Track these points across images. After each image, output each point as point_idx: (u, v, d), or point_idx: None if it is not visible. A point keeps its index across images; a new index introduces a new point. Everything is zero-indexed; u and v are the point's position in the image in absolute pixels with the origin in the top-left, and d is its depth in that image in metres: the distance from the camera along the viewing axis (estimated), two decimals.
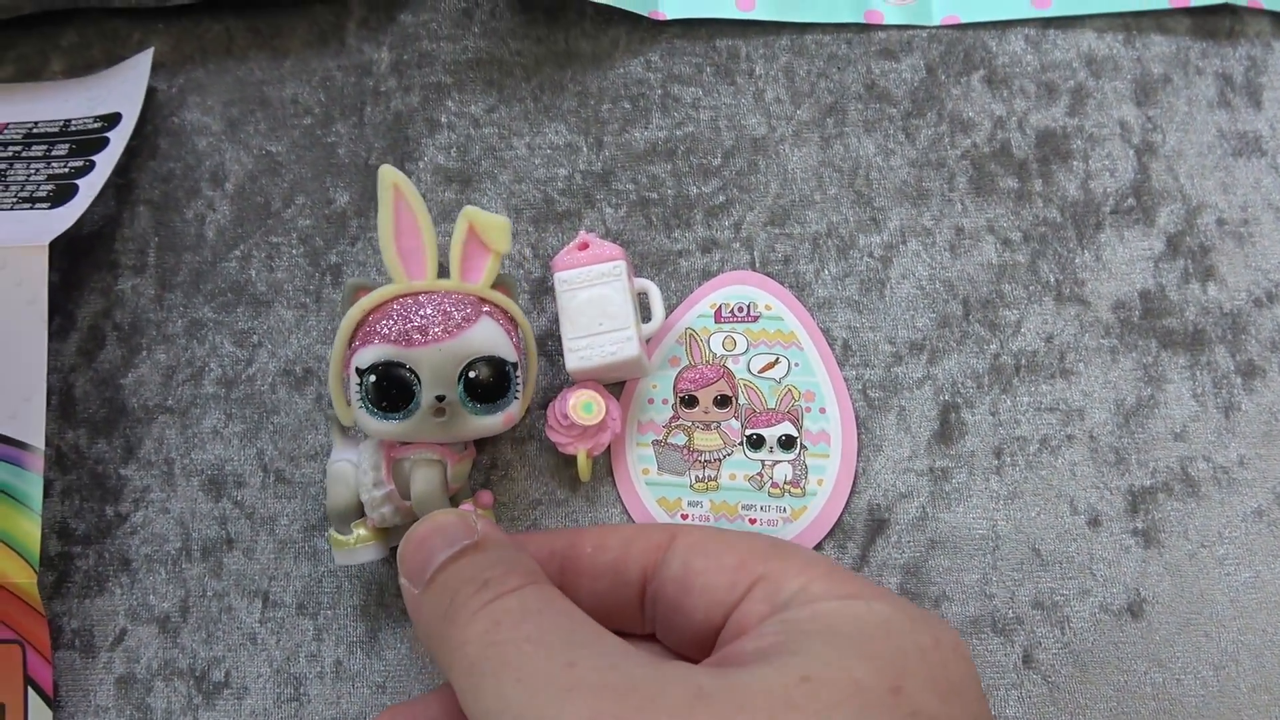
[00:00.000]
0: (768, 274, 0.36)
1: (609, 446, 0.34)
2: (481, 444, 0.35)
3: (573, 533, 0.29)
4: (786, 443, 0.33)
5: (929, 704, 0.20)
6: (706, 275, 0.36)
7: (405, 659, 0.33)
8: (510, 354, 0.31)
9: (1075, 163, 0.37)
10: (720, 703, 0.19)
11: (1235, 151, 0.37)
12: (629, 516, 0.33)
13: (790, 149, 0.38)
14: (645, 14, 0.39)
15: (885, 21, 0.39)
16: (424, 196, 0.35)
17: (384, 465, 0.30)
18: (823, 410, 0.33)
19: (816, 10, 0.39)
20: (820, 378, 0.33)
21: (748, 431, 0.33)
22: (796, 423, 0.33)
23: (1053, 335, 0.35)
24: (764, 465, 0.32)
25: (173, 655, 0.34)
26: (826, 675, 0.20)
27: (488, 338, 0.30)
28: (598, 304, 0.33)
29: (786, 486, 0.32)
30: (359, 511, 0.31)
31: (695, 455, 0.33)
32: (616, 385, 0.35)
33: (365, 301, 0.31)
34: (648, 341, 0.34)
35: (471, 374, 0.30)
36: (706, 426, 0.33)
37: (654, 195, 0.38)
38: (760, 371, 0.33)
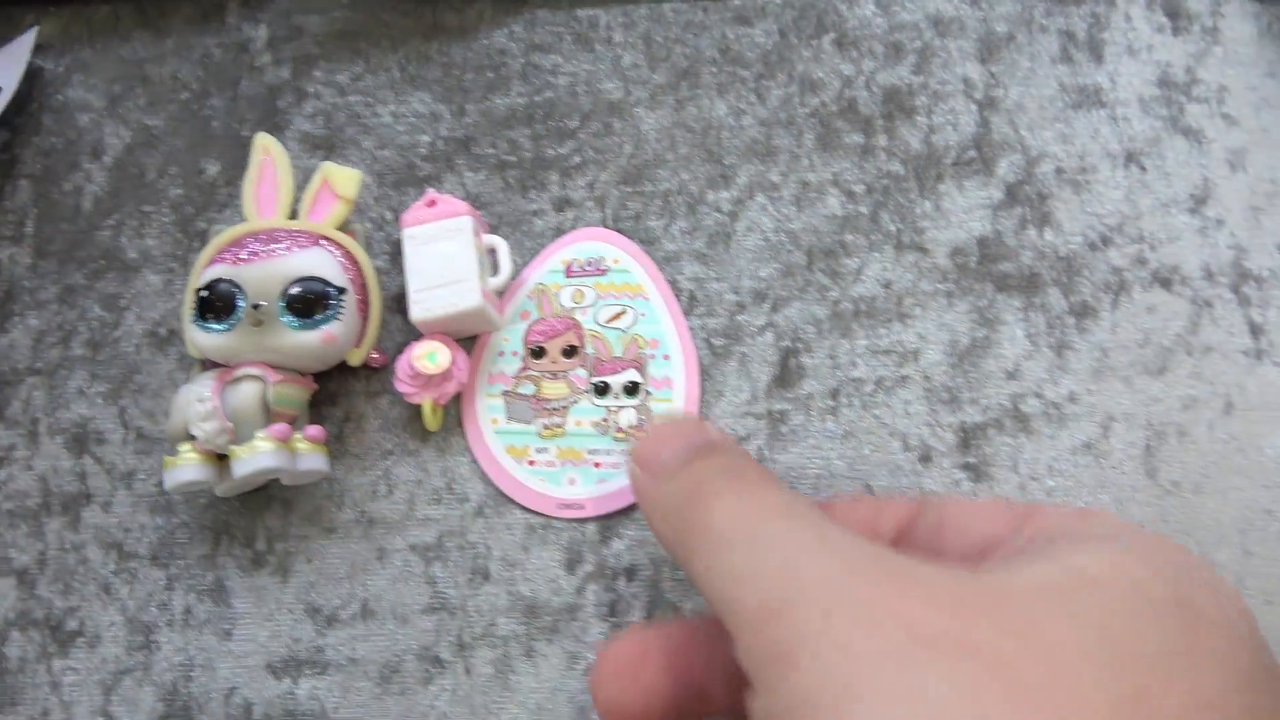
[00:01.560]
0: (619, 230, 0.37)
1: (459, 397, 0.34)
2: (335, 395, 0.36)
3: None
4: (631, 389, 0.33)
5: (1217, 621, 0.17)
6: (560, 233, 0.37)
7: (252, 606, 0.34)
8: (336, 279, 0.32)
9: (919, 118, 0.38)
10: (977, 591, 0.17)
11: (1075, 104, 0.38)
12: (478, 465, 0.34)
13: (645, 111, 0.39)
14: None
15: None
16: (292, 164, 0.37)
17: (213, 386, 0.32)
18: (666, 357, 0.34)
19: None
20: (665, 326, 0.34)
21: (594, 379, 0.34)
22: (641, 369, 0.33)
23: (891, 281, 0.36)
24: (609, 411, 0.33)
25: (29, 606, 0.34)
26: (1102, 578, 0.17)
27: (313, 262, 0.32)
28: (442, 258, 0.34)
29: (631, 430, 0.33)
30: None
31: (543, 404, 0.33)
32: (470, 341, 0.36)
33: (219, 238, 0.34)
34: (499, 296, 0.35)
35: (293, 290, 0.32)
36: (554, 376, 0.34)
37: (512, 159, 0.39)
38: (607, 322, 0.34)
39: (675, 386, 0.33)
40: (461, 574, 0.33)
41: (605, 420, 0.33)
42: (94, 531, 0.35)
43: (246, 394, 0.32)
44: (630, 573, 0.33)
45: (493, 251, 0.35)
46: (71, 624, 0.34)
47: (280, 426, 0.32)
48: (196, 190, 0.39)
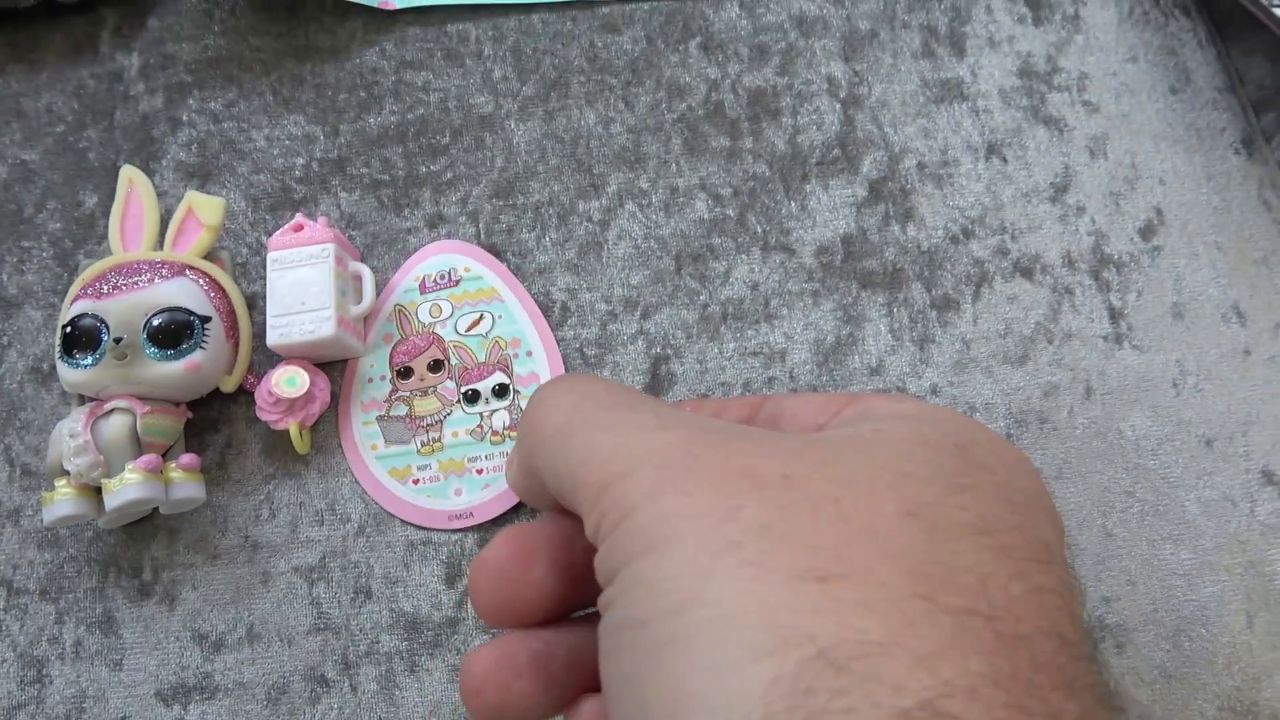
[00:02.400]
0: (492, 245, 0.37)
1: (337, 429, 0.35)
2: (217, 422, 0.36)
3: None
4: (500, 391, 0.34)
5: (991, 463, 0.19)
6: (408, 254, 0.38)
7: (140, 636, 0.34)
8: (200, 308, 0.33)
9: (784, 119, 0.39)
10: (795, 442, 0.19)
11: (937, 99, 0.39)
12: (363, 490, 0.34)
13: (516, 124, 0.39)
14: (375, 4, 0.40)
15: None
16: (166, 192, 0.37)
17: (85, 421, 0.32)
18: (529, 353, 0.34)
19: None
20: (523, 323, 0.35)
21: (463, 389, 0.34)
22: (507, 370, 0.34)
23: (759, 283, 0.37)
24: (483, 417, 0.34)
25: None
26: (895, 430, 0.19)
27: (176, 292, 0.33)
28: (303, 284, 0.34)
29: (505, 432, 0.33)
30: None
31: (417, 421, 0.34)
32: (338, 366, 0.36)
33: (84, 274, 0.34)
34: (362, 324, 0.36)
35: (155, 321, 0.32)
36: (424, 393, 0.34)
37: (386, 177, 0.39)
38: (467, 330, 0.35)
39: (542, 379, 0.34)
40: (344, 593, 0.34)
41: (480, 427, 0.34)
42: None
43: (116, 426, 0.33)
44: None
45: (359, 279, 0.36)
46: None
47: (150, 458, 0.32)
48: (75, 224, 0.39)
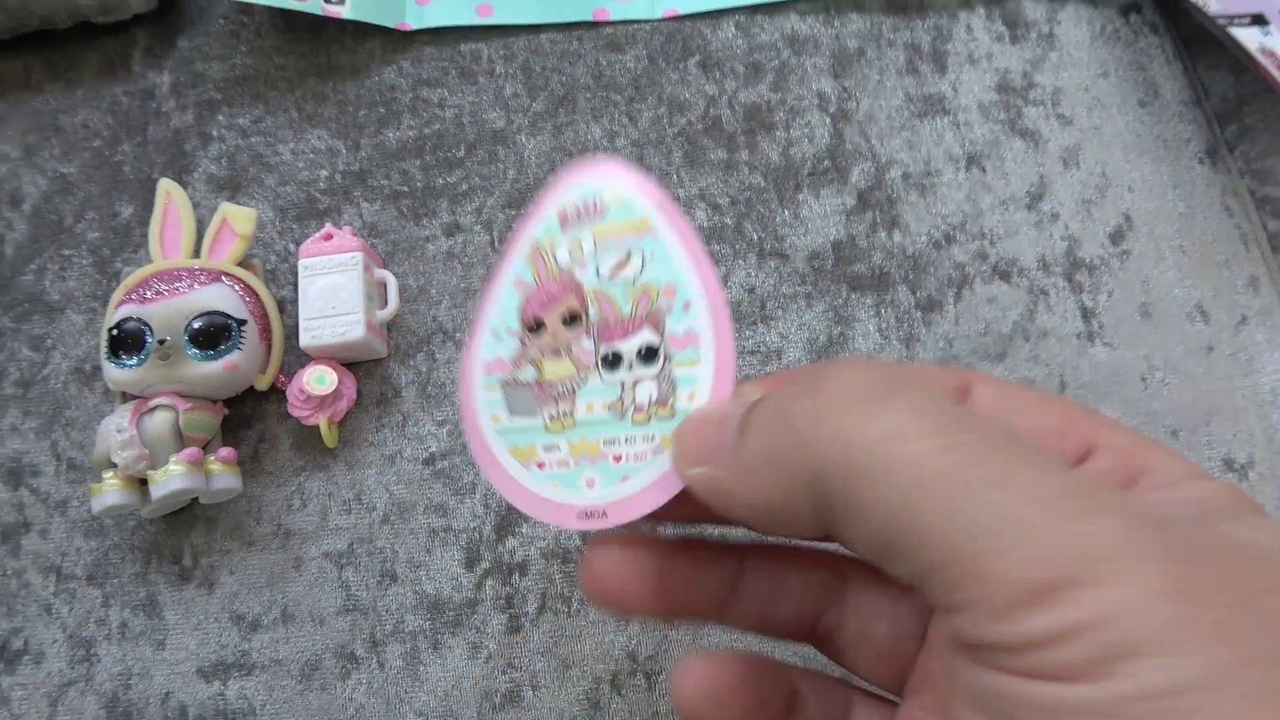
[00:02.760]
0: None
1: (459, 392, 0.28)
2: (250, 418, 0.39)
3: None
4: (647, 355, 0.26)
5: None
6: (450, 257, 0.40)
7: (181, 617, 0.37)
8: (236, 311, 0.35)
9: (778, 132, 0.41)
10: (1240, 554, 0.16)
11: (921, 113, 0.41)
12: (489, 479, 0.26)
13: (526, 138, 0.42)
14: (392, 26, 0.43)
15: (612, 18, 0.43)
16: (198, 204, 0.40)
17: (130, 417, 0.35)
18: (687, 306, 0.25)
19: (549, 12, 0.44)
20: (681, 265, 0.26)
21: (602, 349, 0.26)
22: (657, 326, 0.26)
23: (755, 287, 0.39)
24: (624, 387, 0.25)
25: None
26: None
27: (214, 297, 0.35)
28: (333, 290, 0.37)
29: (652, 409, 0.25)
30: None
31: (547, 389, 0.26)
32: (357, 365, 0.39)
33: (127, 280, 0.37)
34: (387, 326, 0.39)
35: (195, 324, 0.35)
36: (557, 353, 0.26)
37: (405, 189, 0.42)
38: (611, 274, 0.26)
39: (701, 343, 0.25)
40: (371, 577, 0.37)
41: (620, 400, 0.25)
42: (33, 557, 0.38)
43: (160, 422, 0.35)
44: (523, 568, 0.36)
45: (383, 285, 0.38)
46: (16, 644, 0.37)
47: (192, 450, 0.35)
48: (112, 233, 0.42)
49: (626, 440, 0.25)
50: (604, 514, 0.25)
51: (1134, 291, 0.39)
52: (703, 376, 0.25)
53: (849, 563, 0.23)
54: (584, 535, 0.37)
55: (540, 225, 0.26)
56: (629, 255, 0.26)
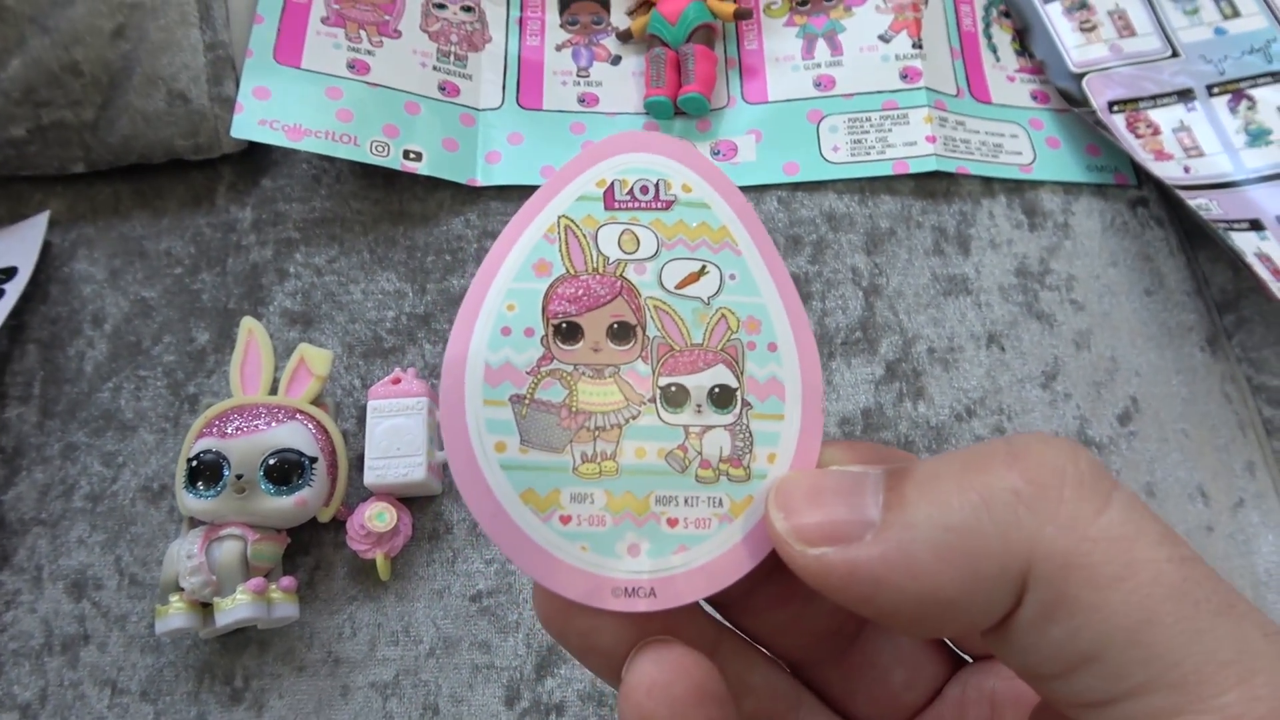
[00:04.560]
0: None
1: (443, 406, 0.21)
2: (308, 545, 0.41)
3: None
4: (721, 397, 0.21)
5: None
6: None
7: None
8: (309, 449, 0.38)
9: (815, 302, 0.45)
10: None
11: (946, 291, 0.45)
12: (486, 530, 0.19)
13: None
14: (464, 181, 0.47)
15: None
16: (272, 335, 0.42)
17: (200, 544, 0.37)
18: (773, 347, 0.21)
19: None
20: (768, 297, 0.21)
21: (662, 380, 0.20)
22: (735, 364, 0.21)
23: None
24: (688, 433, 0.20)
25: None
26: None
27: (289, 435, 0.38)
28: (397, 431, 0.40)
29: (722, 466, 0.20)
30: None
31: (580, 419, 0.20)
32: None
33: (208, 412, 0.39)
34: (443, 467, 0.41)
35: (271, 461, 0.37)
36: (597, 373, 0.20)
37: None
38: (678, 286, 0.21)
39: (788, 396, 0.20)
40: (415, 709, 0.38)
41: (683, 448, 0.20)
42: (90, 670, 0.40)
43: (229, 551, 0.38)
44: (560, 708, 0.38)
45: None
46: None
47: (257, 581, 0.37)
48: (187, 357, 0.45)
49: (686, 501, 0.20)
50: (650, 592, 0.19)
51: (1140, 471, 0.42)
52: (786, 436, 0.20)
53: (807, 691, 0.21)
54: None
55: (573, 197, 0.21)
56: (703, 268, 0.21)
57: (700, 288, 0.20)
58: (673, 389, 0.20)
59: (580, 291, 0.20)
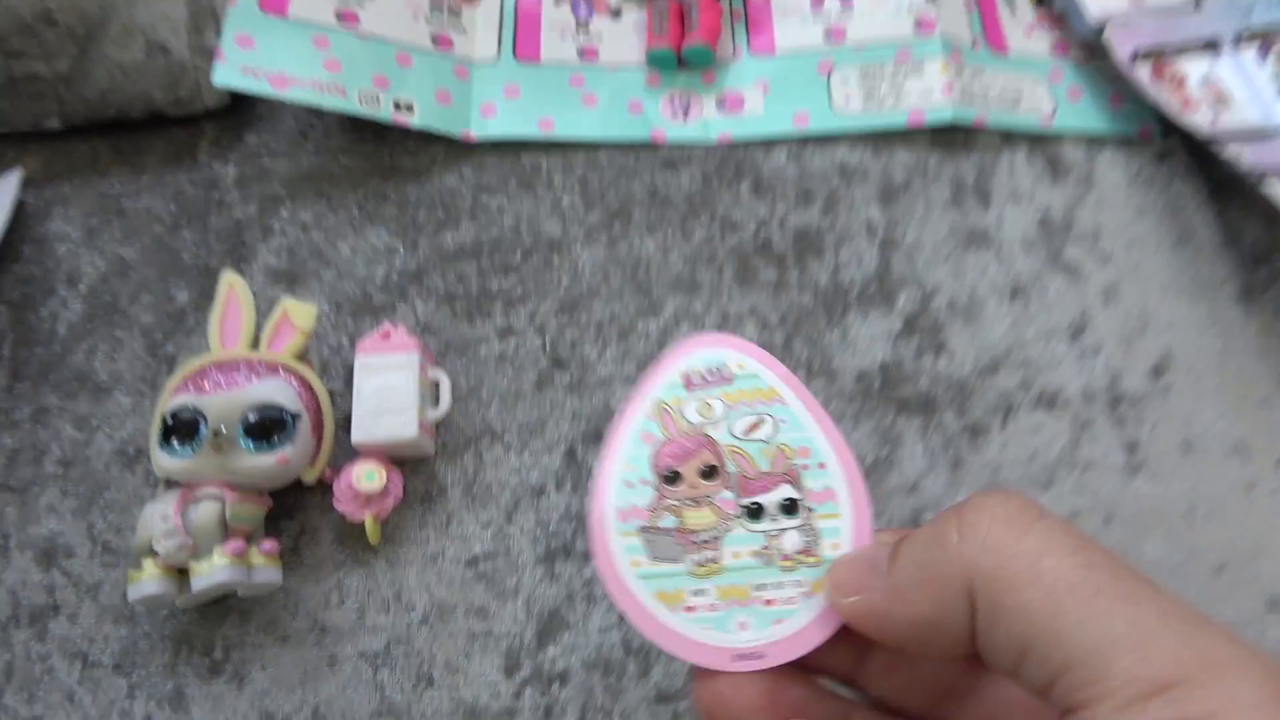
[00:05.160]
0: (556, 357, 0.40)
1: (590, 538, 0.29)
2: (292, 509, 0.38)
3: None
4: (789, 507, 0.28)
5: None
6: (503, 359, 0.41)
7: (209, 713, 0.36)
8: (292, 405, 0.35)
9: (827, 255, 0.42)
10: None
11: (966, 244, 0.43)
12: (628, 619, 0.28)
13: (581, 248, 0.43)
14: (458, 135, 0.45)
15: (668, 139, 0.45)
16: (256, 294, 0.40)
17: (175, 505, 0.34)
18: (822, 466, 0.28)
19: (609, 129, 0.45)
20: (812, 431, 0.29)
21: (743, 501, 0.28)
22: (795, 483, 0.28)
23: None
24: (768, 536, 0.28)
25: None
26: None
27: (270, 390, 0.36)
28: (388, 388, 0.37)
29: (799, 557, 0.27)
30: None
31: (690, 536, 0.28)
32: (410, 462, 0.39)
33: (184, 368, 0.37)
34: (436, 427, 0.39)
35: (251, 417, 0.35)
36: (696, 503, 0.28)
37: (460, 290, 0.42)
38: (746, 434, 0.29)
39: (839, 498, 0.28)
40: (408, 680, 0.36)
41: (767, 548, 0.27)
42: (60, 642, 0.37)
43: (206, 512, 0.35)
44: (564, 677, 0.36)
45: (436, 385, 0.39)
46: None
47: (236, 543, 0.35)
48: (166, 317, 0.43)
49: (776, 586, 0.27)
50: (761, 655, 0.26)
51: (1176, 426, 0.40)
52: (844, 528, 0.27)
53: None
54: (647, 654, 0.36)
55: (663, 386, 0.29)
56: (761, 419, 0.29)
57: (762, 433, 0.28)
58: (753, 505, 0.28)
59: (677, 448, 0.28)
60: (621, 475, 0.28)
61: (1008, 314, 0.41)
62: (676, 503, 0.28)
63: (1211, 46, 0.48)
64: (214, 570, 0.34)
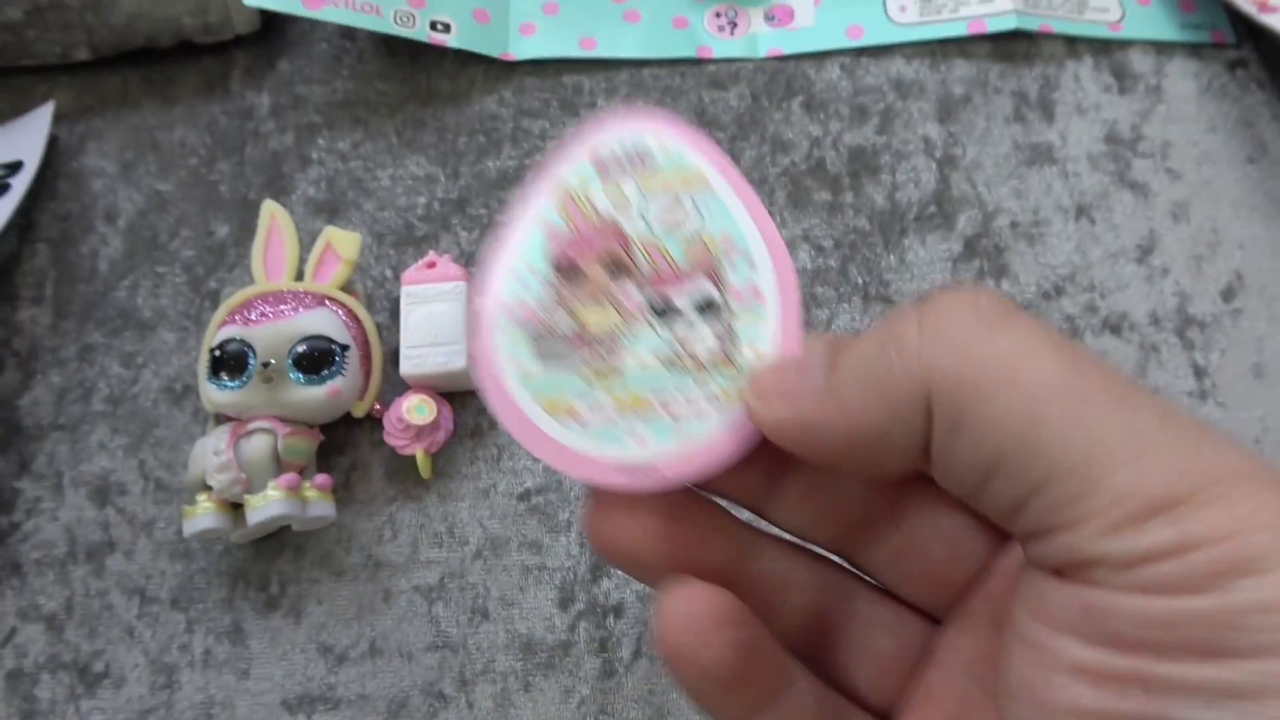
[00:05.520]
0: None
1: (471, 336, 0.28)
2: (343, 445, 0.38)
3: None
4: (706, 307, 0.24)
5: None
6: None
7: (267, 646, 0.36)
8: (340, 337, 0.35)
9: (883, 176, 0.41)
10: None
11: (1029, 161, 0.41)
12: (506, 428, 0.23)
13: None
14: (496, 56, 0.43)
15: (715, 56, 0.43)
16: (297, 225, 0.39)
17: (227, 439, 0.34)
18: (749, 262, 0.24)
19: (652, 47, 0.43)
20: (742, 223, 0.24)
21: (652, 299, 0.24)
22: (716, 280, 0.24)
23: (859, 331, 0.39)
24: (679, 340, 0.24)
25: (57, 650, 0.37)
26: None
27: (318, 322, 0.35)
28: (435, 318, 0.36)
29: (712, 362, 0.23)
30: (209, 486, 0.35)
31: (587, 339, 0.24)
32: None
33: (230, 300, 0.36)
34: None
35: (300, 349, 0.35)
36: (597, 302, 0.24)
37: (503, 218, 0.41)
38: (663, 225, 0.24)
39: (765, 299, 0.24)
40: (462, 613, 0.36)
41: (676, 354, 0.23)
42: (117, 578, 0.37)
43: (258, 446, 0.35)
44: (619, 610, 0.35)
45: None
46: (98, 666, 0.36)
47: (290, 476, 0.34)
48: (207, 251, 0.42)
49: (683, 394, 0.23)
50: (656, 470, 0.22)
51: (1246, 350, 0.38)
52: (769, 331, 0.23)
53: (857, 579, 0.23)
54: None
55: (572, 170, 0.25)
56: (682, 208, 0.24)
57: (680, 222, 0.24)
58: (661, 305, 0.23)
59: (579, 241, 0.24)
60: (514, 269, 0.24)
61: (1073, 235, 0.40)
62: (575, 301, 0.24)
63: None
64: (268, 503, 0.34)
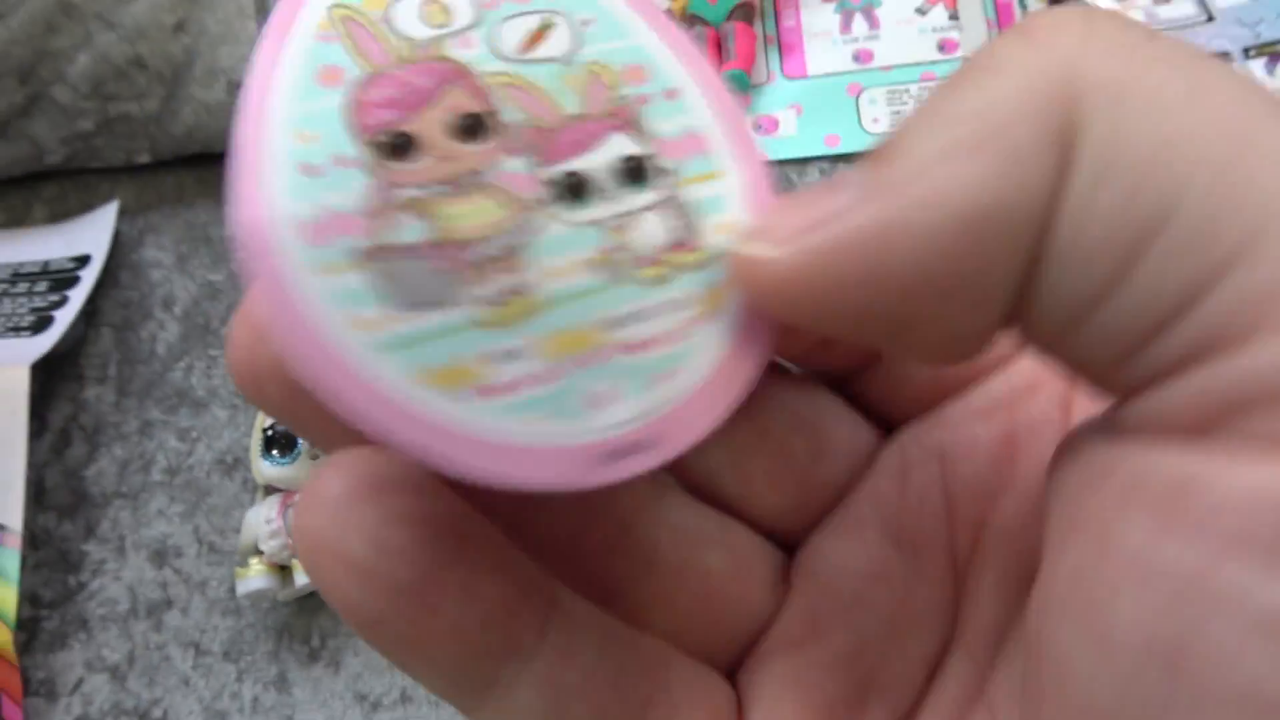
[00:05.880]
0: None
1: (275, 327, 0.14)
2: None
3: None
4: (632, 172, 0.15)
5: None
6: None
7: (309, 694, 0.40)
8: None
9: None
10: None
11: None
12: (381, 437, 0.12)
13: None
14: None
15: None
16: None
17: (278, 509, 0.39)
18: (671, 94, 0.16)
19: None
20: (639, 35, 0.16)
21: (549, 171, 0.15)
22: (633, 128, 0.15)
23: None
24: (607, 229, 0.15)
25: (120, 698, 0.41)
26: None
27: None
28: None
29: (668, 256, 0.15)
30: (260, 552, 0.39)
31: (461, 252, 0.14)
32: None
33: None
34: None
35: None
36: (458, 186, 0.14)
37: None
38: (523, 51, 0.15)
39: (712, 144, 0.16)
40: None
41: (610, 251, 0.14)
42: (174, 632, 0.42)
43: None
44: None
45: None
46: (156, 713, 0.41)
47: None
48: None
49: (643, 316, 0.14)
50: (649, 444, 0.14)
51: None
52: (732, 192, 0.15)
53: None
54: None
55: None
56: (546, 22, 0.16)
57: (552, 46, 0.15)
58: (567, 178, 0.15)
59: (395, 89, 0.14)
60: (290, 153, 0.13)
61: None
62: (420, 192, 0.14)
63: (1223, 56, 0.50)
64: None
